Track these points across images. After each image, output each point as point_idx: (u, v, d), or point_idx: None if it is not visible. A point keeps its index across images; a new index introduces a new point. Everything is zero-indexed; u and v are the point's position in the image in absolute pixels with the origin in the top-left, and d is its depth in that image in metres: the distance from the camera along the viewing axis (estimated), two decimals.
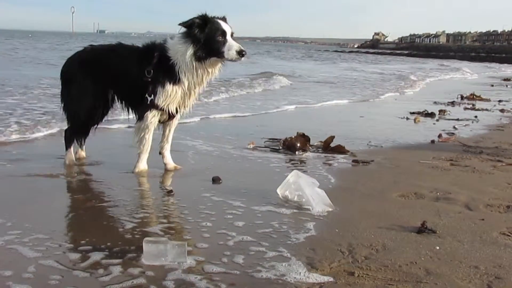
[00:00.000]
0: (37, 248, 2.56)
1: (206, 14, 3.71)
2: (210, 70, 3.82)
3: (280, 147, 5.29)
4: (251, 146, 5.32)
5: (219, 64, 3.86)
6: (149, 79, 3.82)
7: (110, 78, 4.04)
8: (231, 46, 3.67)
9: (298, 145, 5.19)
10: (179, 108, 3.99)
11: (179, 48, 3.75)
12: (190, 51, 3.71)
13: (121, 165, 4.28)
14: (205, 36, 3.67)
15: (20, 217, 3.01)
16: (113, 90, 4.11)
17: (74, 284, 2.22)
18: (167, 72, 3.80)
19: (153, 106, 3.88)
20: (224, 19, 3.80)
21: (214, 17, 3.76)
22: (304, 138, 5.33)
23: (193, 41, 3.70)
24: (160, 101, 3.86)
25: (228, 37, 3.70)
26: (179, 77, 3.80)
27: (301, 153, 5.12)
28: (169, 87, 3.83)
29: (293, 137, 5.33)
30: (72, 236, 2.80)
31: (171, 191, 3.64)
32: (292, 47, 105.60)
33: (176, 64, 3.78)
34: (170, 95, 3.85)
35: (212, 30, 3.68)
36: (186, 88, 3.87)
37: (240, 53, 3.66)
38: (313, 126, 6.54)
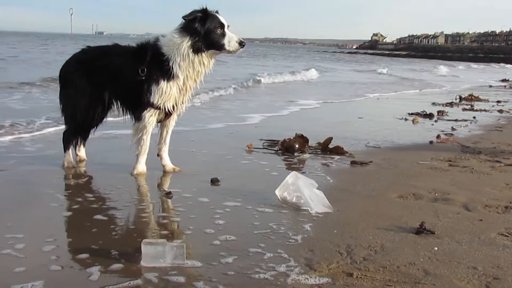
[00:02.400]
0: (32, 249, 2.56)
1: (206, 8, 3.80)
2: (206, 62, 3.87)
3: (279, 148, 5.29)
4: (249, 148, 5.32)
5: (215, 58, 3.94)
6: (143, 78, 3.83)
7: (106, 79, 4.03)
8: (231, 38, 3.81)
9: (297, 146, 5.19)
10: (176, 106, 4.00)
11: (175, 42, 3.79)
12: (187, 43, 3.76)
13: (120, 167, 4.28)
14: (206, 29, 3.76)
15: (17, 219, 3.01)
16: (109, 91, 4.10)
17: (72, 285, 2.22)
18: (161, 69, 3.82)
19: (150, 105, 3.89)
20: (217, 12, 3.87)
21: (208, 10, 3.83)
22: (302, 139, 5.33)
23: (191, 34, 3.75)
24: (156, 99, 3.87)
25: (226, 29, 3.81)
26: (174, 72, 3.82)
27: (299, 154, 5.12)
28: (163, 84, 3.84)
29: (291, 138, 5.33)
30: (69, 237, 2.80)
31: (169, 192, 3.63)
32: (307, 49, 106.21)
33: (171, 58, 3.81)
34: (165, 92, 3.86)
35: (212, 23, 3.77)
36: (182, 84, 3.89)
37: (241, 44, 3.83)
38: (311, 127, 6.55)
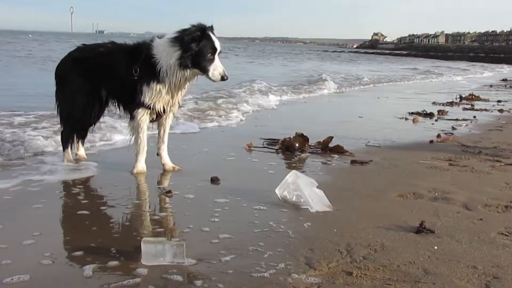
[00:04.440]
0: (33, 248, 2.56)
1: (204, 26, 3.77)
2: (188, 78, 3.88)
3: (279, 148, 5.29)
4: (250, 146, 5.32)
5: (197, 76, 3.94)
6: (136, 78, 3.84)
7: (101, 77, 4.05)
8: (217, 67, 3.78)
9: (297, 145, 5.18)
10: (166, 107, 4.01)
11: (165, 49, 3.79)
12: (176, 56, 3.75)
13: (120, 166, 4.28)
14: (198, 50, 3.73)
15: (17, 219, 3.00)
16: (104, 89, 4.10)
17: (70, 285, 2.22)
18: (152, 70, 3.83)
19: (141, 104, 3.91)
20: (212, 28, 3.83)
21: (207, 28, 3.79)
22: (302, 138, 5.33)
23: (183, 49, 3.73)
24: (146, 99, 3.89)
25: (216, 56, 3.79)
26: (161, 76, 3.83)
27: (299, 153, 5.12)
28: (153, 85, 3.86)
29: (291, 137, 5.33)
30: (69, 236, 2.80)
31: (169, 191, 3.63)
32: (310, 49, 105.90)
33: (159, 63, 3.81)
34: (155, 93, 3.88)
35: (206, 46, 3.75)
36: (168, 88, 3.90)
37: (222, 78, 3.80)
38: (311, 126, 6.54)
